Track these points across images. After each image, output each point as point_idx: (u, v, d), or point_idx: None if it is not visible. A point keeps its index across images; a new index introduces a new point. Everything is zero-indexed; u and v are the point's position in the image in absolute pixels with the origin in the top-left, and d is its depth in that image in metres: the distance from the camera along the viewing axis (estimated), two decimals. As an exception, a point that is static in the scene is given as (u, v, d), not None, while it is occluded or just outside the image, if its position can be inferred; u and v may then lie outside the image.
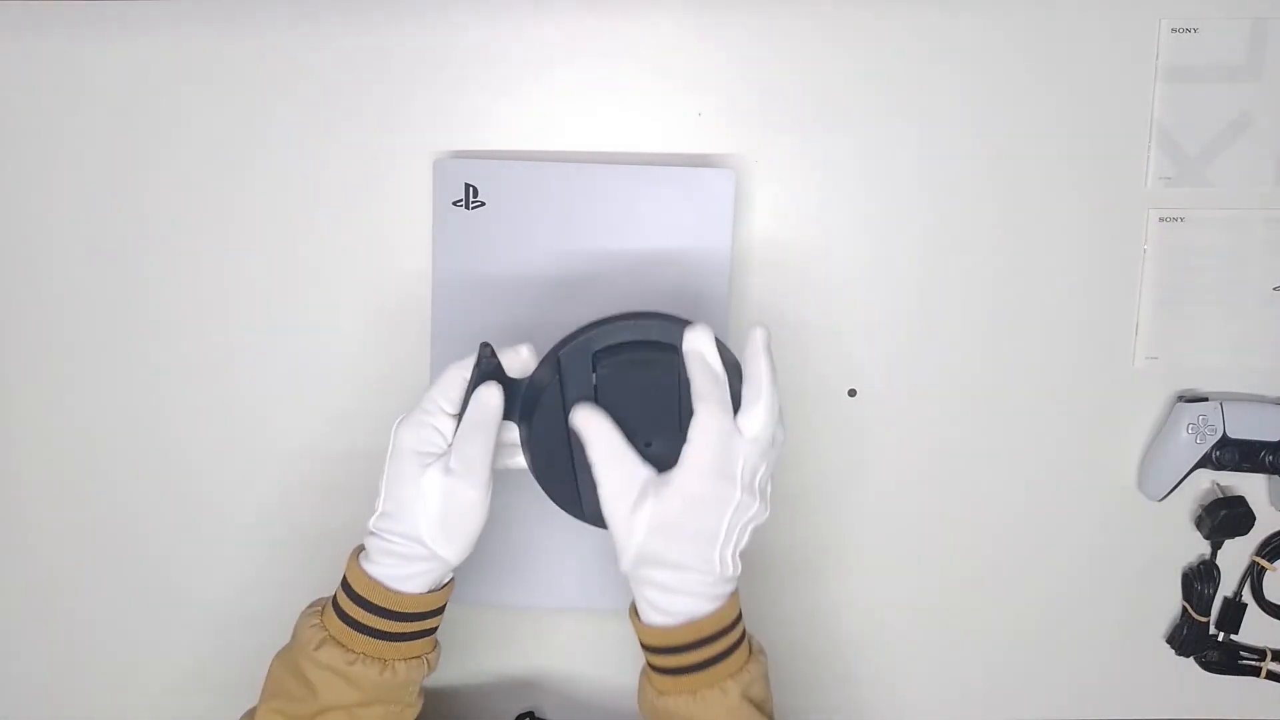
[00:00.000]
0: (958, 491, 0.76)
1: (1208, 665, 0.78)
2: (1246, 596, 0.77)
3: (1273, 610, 0.78)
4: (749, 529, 0.58)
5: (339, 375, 0.75)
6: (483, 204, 0.71)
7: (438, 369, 0.70)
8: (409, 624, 0.60)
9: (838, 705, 0.79)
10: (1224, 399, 0.74)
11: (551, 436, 0.60)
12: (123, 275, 0.74)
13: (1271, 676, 0.78)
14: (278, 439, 0.75)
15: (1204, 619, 0.77)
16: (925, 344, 0.75)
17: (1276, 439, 0.73)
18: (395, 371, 0.73)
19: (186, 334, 0.75)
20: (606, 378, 0.59)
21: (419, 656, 0.61)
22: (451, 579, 0.63)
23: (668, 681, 0.58)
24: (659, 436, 0.58)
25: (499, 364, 0.59)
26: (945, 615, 0.78)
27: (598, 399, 0.59)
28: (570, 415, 0.58)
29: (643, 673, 0.61)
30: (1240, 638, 0.78)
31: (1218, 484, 0.77)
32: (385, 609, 0.59)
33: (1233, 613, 0.77)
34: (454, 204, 0.71)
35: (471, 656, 0.78)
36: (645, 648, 0.60)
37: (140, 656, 0.78)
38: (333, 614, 0.60)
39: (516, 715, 0.78)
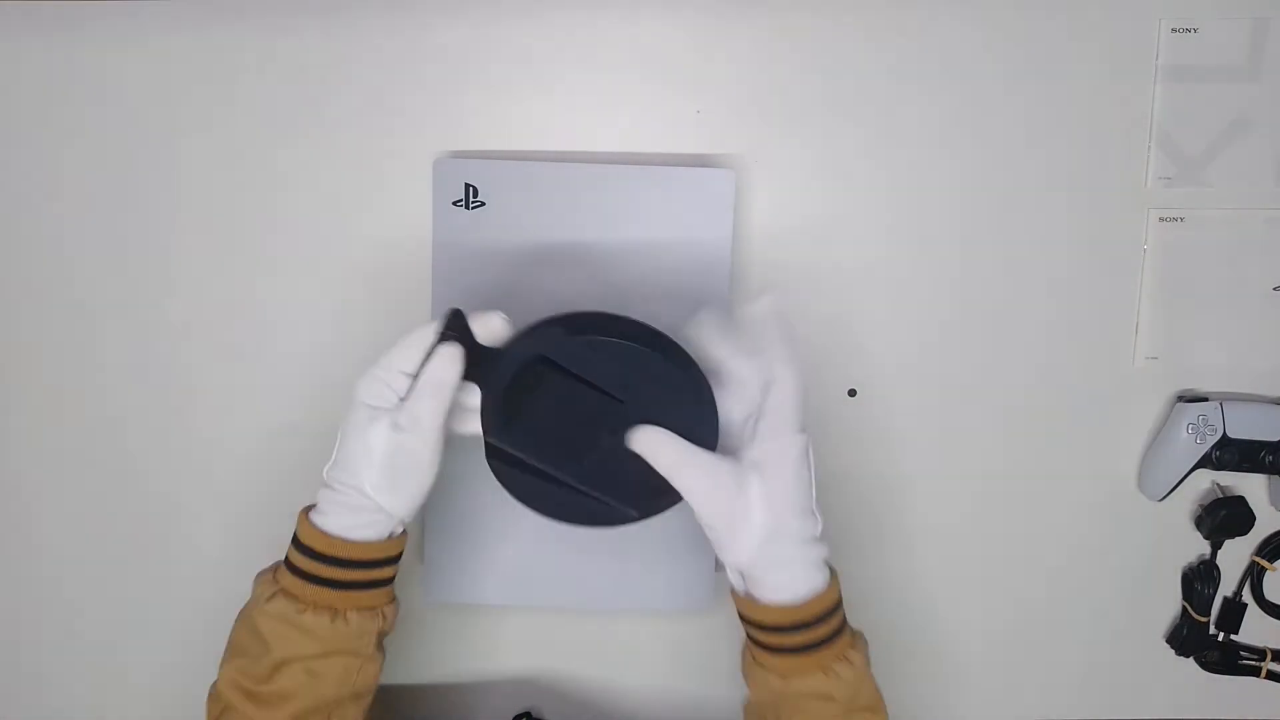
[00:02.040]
0: (957, 491, 0.76)
1: (1208, 665, 0.78)
2: (1246, 596, 0.77)
3: (1273, 610, 0.78)
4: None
5: (339, 374, 0.74)
6: (483, 204, 0.71)
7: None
8: (358, 572, 0.60)
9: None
10: (1224, 399, 0.74)
11: (508, 405, 0.60)
12: (123, 275, 0.74)
13: (1271, 676, 0.78)
14: (276, 441, 0.75)
15: (1204, 619, 0.77)
16: (925, 344, 0.75)
17: (1276, 439, 0.73)
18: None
19: (186, 334, 0.75)
20: (573, 357, 0.60)
21: (373, 608, 0.61)
22: (404, 532, 0.63)
23: (794, 662, 0.59)
24: (617, 432, 0.59)
25: (466, 328, 0.60)
26: (944, 615, 0.78)
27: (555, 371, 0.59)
28: (630, 440, 0.59)
29: (751, 661, 0.61)
30: (1240, 638, 0.78)
31: (1218, 484, 0.77)
32: (332, 556, 0.60)
33: (1233, 613, 0.77)
34: (454, 204, 0.71)
35: (469, 656, 0.78)
36: (764, 629, 0.59)
37: (129, 632, 0.78)
38: (284, 569, 0.61)
39: (514, 715, 0.78)
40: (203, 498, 0.76)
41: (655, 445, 0.59)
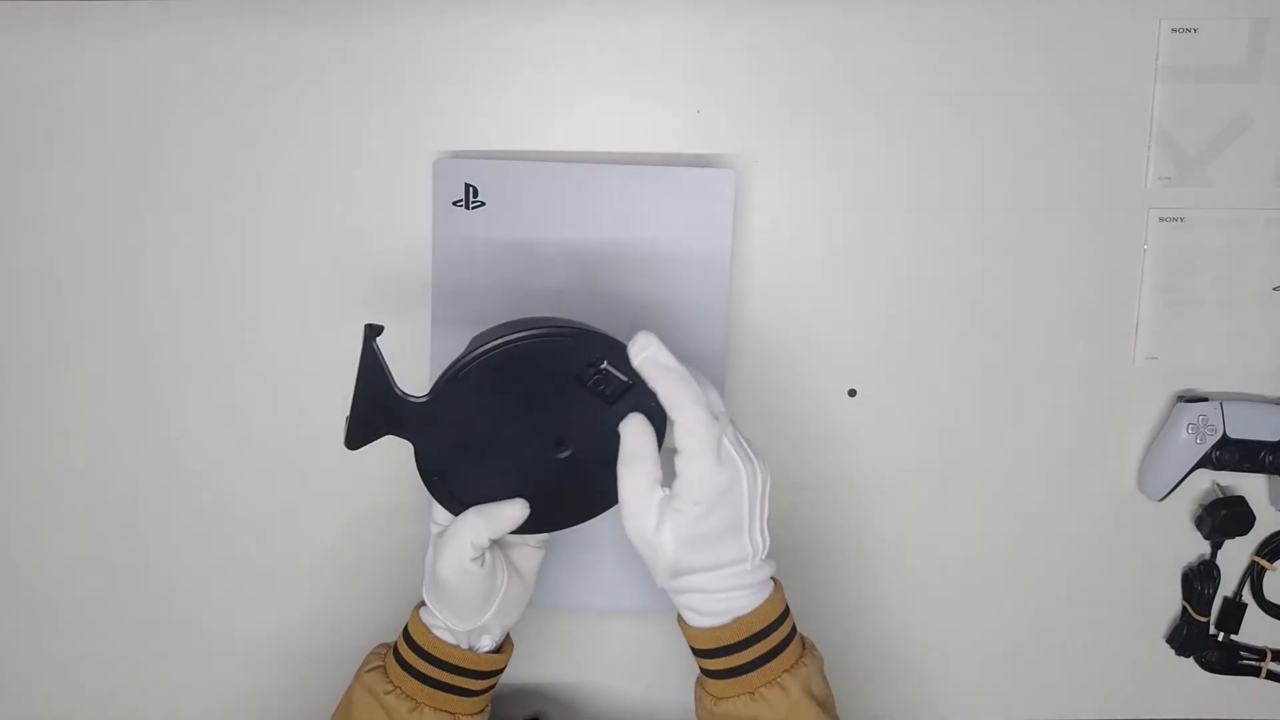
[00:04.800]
0: (957, 492, 0.76)
1: (1208, 665, 0.78)
2: (1246, 596, 0.78)
3: (1273, 610, 0.78)
4: (765, 497, 0.57)
5: (339, 376, 0.74)
6: (483, 204, 0.71)
7: (437, 369, 0.70)
8: (437, 670, 0.61)
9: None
10: (1224, 399, 0.74)
11: (444, 456, 0.59)
12: (121, 277, 0.74)
13: (1271, 676, 0.78)
14: (275, 442, 0.75)
15: (1204, 619, 0.77)
16: (925, 344, 0.75)
17: (1276, 439, 0.73)
18: (395, 372, 0.73)
19: (186, 335, 0.74)
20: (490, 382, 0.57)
21: (451, 713, 0.62)
22: (498, 652, 0.63)
23: (724, 685, 0.58)
24: (570, 435, 0.58)
25: (381, 366, 0.57)
26: (944, 615, 0.78)
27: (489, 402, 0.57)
28: (621, 426, 0.57)
29: (697, 682, 0.61)
30: (1240, 638, 0.78)
31: (1218, 484, 0.77)
32: (419, 646, 0.62)
33: (1233, 613, 0.77)
34: (454, 204, 0.71)
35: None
36: (697, 653, 0.59)
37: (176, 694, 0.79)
38: (393, 648, 0.64)
39: (522, 719, 0.78)
40: (201, 498, 0.76)
41: (632, 447, 0.57)
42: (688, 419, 0.55)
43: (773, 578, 0.59)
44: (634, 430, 0.57)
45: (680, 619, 0.60)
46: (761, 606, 0.57)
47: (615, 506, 0.59)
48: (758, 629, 0.57)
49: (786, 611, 0.59)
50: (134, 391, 0.75)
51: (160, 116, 0.72)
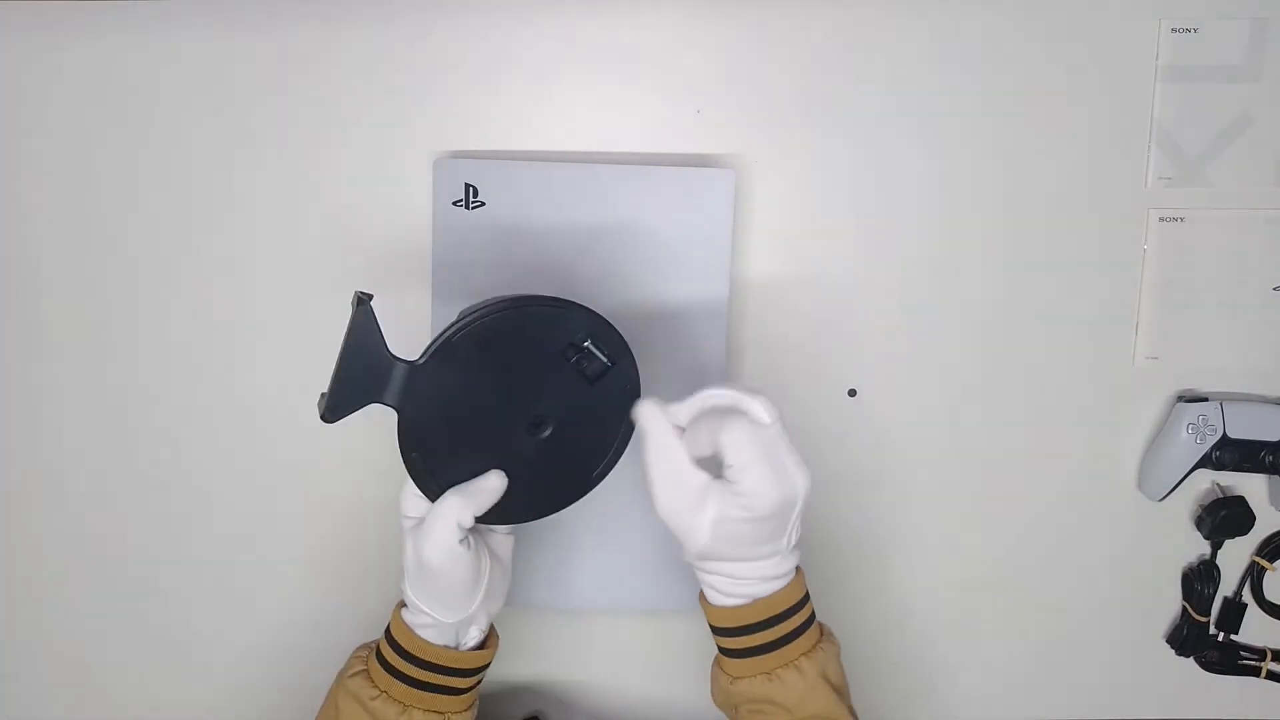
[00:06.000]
0: (957, 492, 0.76)
1: (1208, 665, 0.78)
2: (1246, 596, 0.78)
3: (1273, 610, 0.78)
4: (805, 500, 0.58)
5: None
6: (483, 204, 0.71)
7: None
8: (427, 673, 0.61)
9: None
10: (1224, 399, 0.74)
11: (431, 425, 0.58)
12: (118, 275, 0.74)
13: (1271, 676, 0.78)
14: (276, 442, 0.75)
15: (1204, 619, 0.77)
16: (926, 344, 0.75)
17: (1276, 439, 0.73)
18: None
19: (187, 335, 0.74)
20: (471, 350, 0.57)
21: (440, 713, 0.62)
22: (484, 648, 0.63)
23: (741, 665, 0.59)
24: (551, 414, 0.58)
25: (376, 327, 0.55)
26: (944, 615, 0.78)
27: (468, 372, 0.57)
28: (635, 410, 0.58)
29: (714, 663, 0.62)
30: (1240, 638, 0.78)
31: (1218, 484, 0.77)
32: (406, 651, 0.61)
33: (1233, 613, 0.77)
34: (454, 204, 0.71)
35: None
36: (716, 631, 0.60)
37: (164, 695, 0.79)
38: (374, 652, 0.63)
39: (521, 719, 0.78)
40: (201, 497, 0.76)
41: (645, 424, 0.58)
42: (740, 429, 0.56)
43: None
44: (648, 414, 0.58)
45: (702, 595, 0.61)
46: (783, 590, 0.58)
47: (590, 495, 0.60)
48: (777, 611, 0.58)
49: (806, 597, 0.60)
50: (125, 390, 0.75)
51: (161, 115, 0.72)
